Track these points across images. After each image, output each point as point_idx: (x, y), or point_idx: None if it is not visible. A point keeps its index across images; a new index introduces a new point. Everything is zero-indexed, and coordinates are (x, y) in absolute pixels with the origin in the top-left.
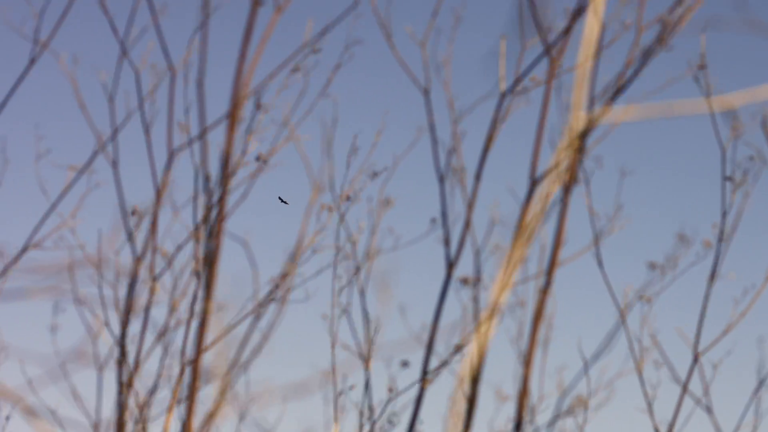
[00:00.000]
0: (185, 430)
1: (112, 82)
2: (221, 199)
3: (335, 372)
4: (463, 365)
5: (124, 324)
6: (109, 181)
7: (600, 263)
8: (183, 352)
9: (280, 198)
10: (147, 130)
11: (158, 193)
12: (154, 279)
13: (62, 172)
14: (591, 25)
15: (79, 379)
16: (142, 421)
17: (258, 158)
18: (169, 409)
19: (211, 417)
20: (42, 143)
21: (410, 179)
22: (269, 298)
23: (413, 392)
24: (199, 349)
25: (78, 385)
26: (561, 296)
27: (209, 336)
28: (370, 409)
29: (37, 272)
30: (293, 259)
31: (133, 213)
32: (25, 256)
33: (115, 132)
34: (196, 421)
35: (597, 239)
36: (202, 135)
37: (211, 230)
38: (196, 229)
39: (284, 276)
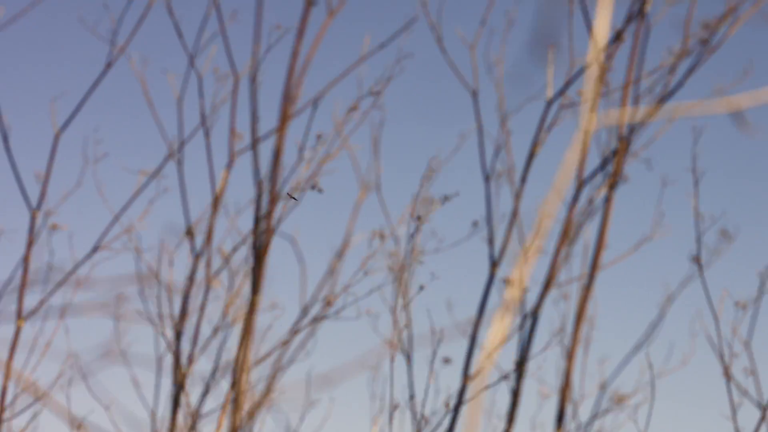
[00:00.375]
0: (233, 423)
1: (180, 85)
2: (272, 196)
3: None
4: (485, 357)
5: (181, 321)
6: (172, 180)
7: (700, 266)
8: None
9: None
10: (207, 134)
11: (217, 195)
12: (211, 277)
13: (127, 174)
14: (601, 26)
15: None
16: (193, 417)
17: (313, 187)
18: (224, 407)
19: (255, 410)
20: (100, 147)
21: (455, 181)
22: (321, 316)
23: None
24: (245, 343)
25: (124, 384)
26: (602, 296)
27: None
28: (423, 418)
29: (91, 287)
30: (339, 256)
31: (188, 232)
32: (91, 258)
33: (182, 135)
34: (241, 415)
35: (699, 242)
36: (254, 129)
37: (260, 227)
38: (254, 228)
39: (337, 294)
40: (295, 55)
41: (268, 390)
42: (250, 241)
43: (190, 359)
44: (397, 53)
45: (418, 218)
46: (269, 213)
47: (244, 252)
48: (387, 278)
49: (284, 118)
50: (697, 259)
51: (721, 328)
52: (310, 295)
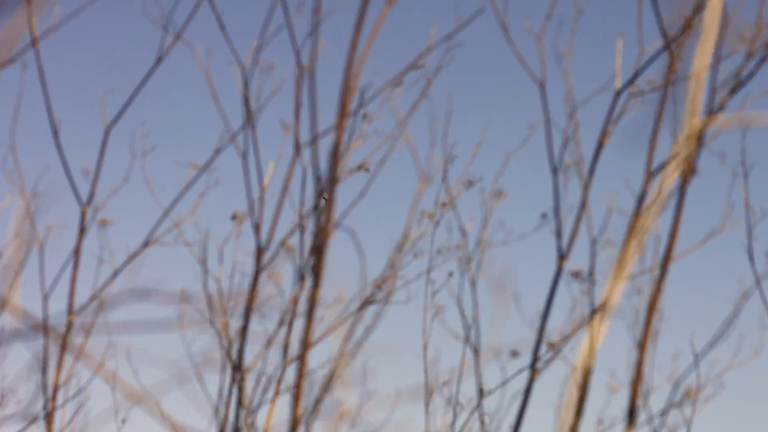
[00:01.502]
0: (292, 420)
1: (244, 77)
2: (331, 187)
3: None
4: (577, 356)
5: (247, 315)
6: (236, 173)
7: (752, 259)
8: (286, 345)
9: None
10: (253, 128)
11: (284, 187)
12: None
13: (172, 166)
14: (710, 19)
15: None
16: (249, 413)
17: (360, 167)
18: (273, 401)
19: (315, 407)
20: (148, 141)
21: (522, 174)
22: (371, 300)
23: (521, 384)
24: (306, 338)
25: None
26: (672, 289)
27: (317, 328)
28: (458, 403)
29: (172, 303)
30: (399, 249)
31: (234, 218)
32: (145, 252)
33: (246, 125)
34: (301, 412)
35: (750, 234)
36: (314, 122)
37: (320, 220)
38: (315, 222)
39: (386, 278)
40: (353, 47)
41: (329, 383)
42: (310, 234)
43: (240, 357)
44: (448, 43)
45: (444, 205)
46: (329, 206)
47: (307, 245)
48: (438, 262)
49: (343, 111)
50: None
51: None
52: (370, 288)
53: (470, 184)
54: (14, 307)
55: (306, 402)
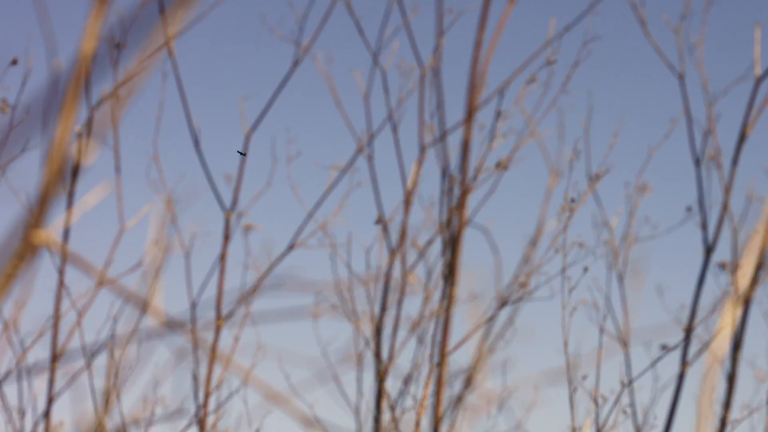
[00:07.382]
0: (435, 416)
1: (366, 82)
2: (462, 184)
3: (599, 360)
4: (718, 346)
5: (381, 315)
6: (364, 175)
7: None
8: (434, 343)
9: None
10: (395, 128)
11: (410, 189)
12: (407, 270)
13: (316, 170)
14: None
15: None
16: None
17: (498, 164)
18: (422, 399)
19: (458, 402)
20: (293, 146)
21: (663, 168)
22: (508, 299)
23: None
24: (444, 337)
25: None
26: None
27: (459, 327)
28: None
29: (304, 291)
30: (533, 244)
31: (378, 221)
32: (288, 256)
33: (370, 130)
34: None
35: None
36: (441, 122)
37: (452, 219)
38: (447, 220)
39: (525, 275)
40: (478, 45)
41: (468, 381)
42: (443, 233)
43: (391, 354)
44: (584, 36)
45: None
46: (461, 204)
47: (439, 245)
48: (578, 257)
49: (471, 110)
50: None
51: None
52: (506, 284)
53: (597, 177)
54: (156, 311)
55: (447, 399)
